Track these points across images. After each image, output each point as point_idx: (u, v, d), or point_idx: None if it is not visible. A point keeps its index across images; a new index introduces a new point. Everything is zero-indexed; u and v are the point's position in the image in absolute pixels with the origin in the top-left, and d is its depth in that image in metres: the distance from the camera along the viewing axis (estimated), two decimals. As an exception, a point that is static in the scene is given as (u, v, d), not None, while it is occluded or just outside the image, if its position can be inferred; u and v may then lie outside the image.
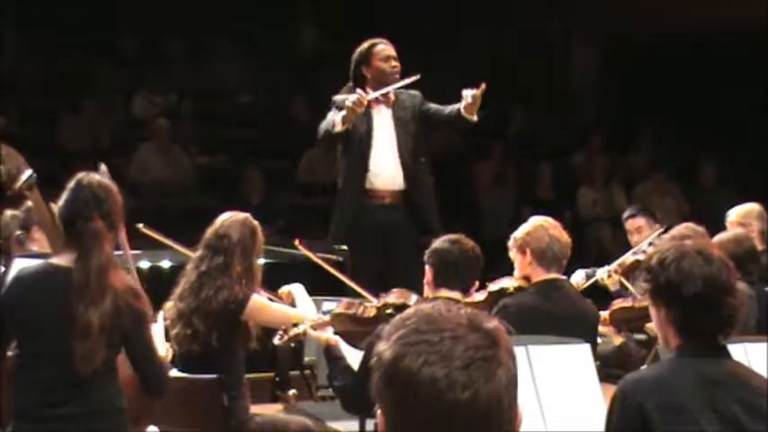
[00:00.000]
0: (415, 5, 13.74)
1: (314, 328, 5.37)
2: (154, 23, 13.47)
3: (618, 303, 6.28)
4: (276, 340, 5.67)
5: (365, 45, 7.00)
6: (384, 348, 1.91)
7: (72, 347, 4.24)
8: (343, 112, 6.77)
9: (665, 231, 6.72)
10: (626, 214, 7.75)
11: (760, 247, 6.57)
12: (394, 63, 6.96)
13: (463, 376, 1.86)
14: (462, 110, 6.80)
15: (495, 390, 1.87)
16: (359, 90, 6.85)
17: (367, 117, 6.94)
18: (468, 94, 6.72)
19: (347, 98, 6.87)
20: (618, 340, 6.22)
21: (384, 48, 6.98)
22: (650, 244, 6.83)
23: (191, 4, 13.08)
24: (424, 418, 1.87)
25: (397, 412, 1.90)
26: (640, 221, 7.50)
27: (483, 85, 6.71)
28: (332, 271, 6.04)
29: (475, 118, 6.82)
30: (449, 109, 6.96)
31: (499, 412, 1.88)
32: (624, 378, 3.51)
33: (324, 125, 6.96)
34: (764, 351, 3.98)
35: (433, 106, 7.07)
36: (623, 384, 3.42)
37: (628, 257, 6.98)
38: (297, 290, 5.69)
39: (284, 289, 5.70)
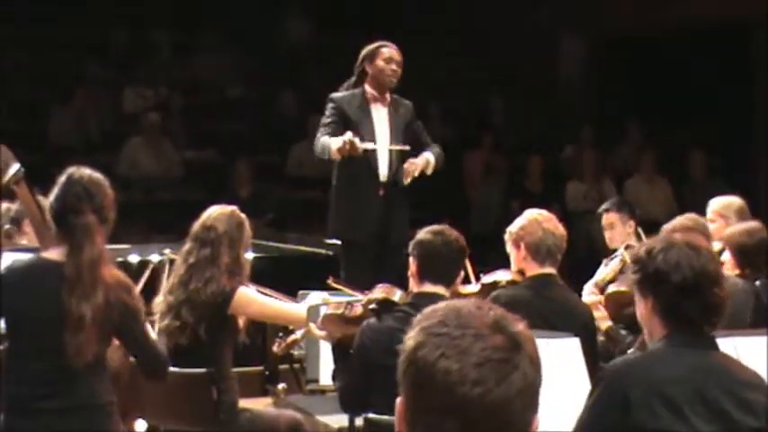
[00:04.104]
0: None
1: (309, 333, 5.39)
2: (143, 17, 13.45)
3: (614, 286, 6.24)
4: (275, 348, 5.71)
5: (374, 44, 7.06)
6: (410, 335, 1.95)
7: (64, 341, 4.24)
8: (338, 143, 6.74)
9: (652, 227, 6.63)
10: (601, 208, 7.63)
11: None
12: (395, 67, 7.00)
13: (475, 373, 1.88)
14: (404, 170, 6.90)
15: (506, 392, 1.89)
16: (350, 134, 6.78)
17: (367, 114, 6.96)
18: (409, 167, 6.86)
19: (345, 95, 6.93)
20: (605, 325, 6.13)
21: (391, 52, 7.04)
22: (627, 247, 6.75)
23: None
24: (436, 407, 1.89)
25: (411, 398, 1.94)
26: (612, 217, 7.35)
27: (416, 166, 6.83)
28: (355, 295, 5.95)
29: (406, 180, 6.90)
30: (424, 150, 7.02)
31: (509, 415, 1.90)
32: (612, 362, 3.51)
33: (320, 145, 6.90)
34: (758, 346, 3.97)
35: (418, 130, 7.12)
36: (609, 369, 3.42)
37: (605, 274, 6.83)
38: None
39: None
